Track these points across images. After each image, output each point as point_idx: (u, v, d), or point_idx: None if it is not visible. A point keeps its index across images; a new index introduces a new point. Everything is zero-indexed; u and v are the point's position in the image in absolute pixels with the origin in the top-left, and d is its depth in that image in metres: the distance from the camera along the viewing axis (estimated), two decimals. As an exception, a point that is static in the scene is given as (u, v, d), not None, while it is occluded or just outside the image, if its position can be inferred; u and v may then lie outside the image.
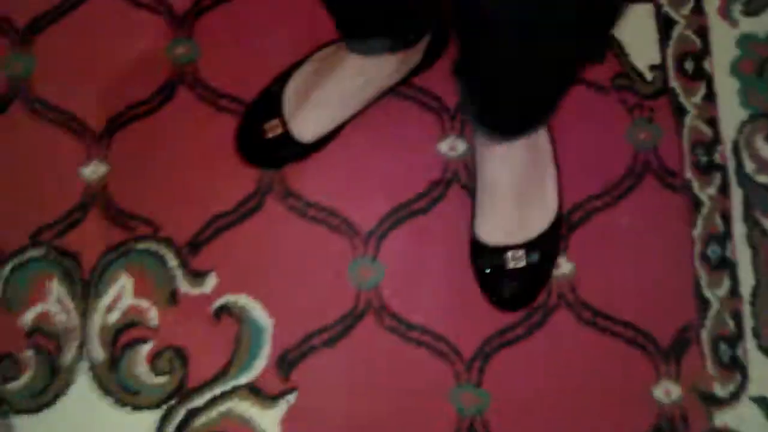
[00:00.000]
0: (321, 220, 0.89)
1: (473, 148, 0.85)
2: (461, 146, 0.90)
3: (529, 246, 0.81)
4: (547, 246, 0.82)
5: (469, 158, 0.89)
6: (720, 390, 0.81)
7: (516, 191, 0.80)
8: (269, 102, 0.87)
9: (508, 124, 0.75)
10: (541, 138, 0.83)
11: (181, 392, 0.84)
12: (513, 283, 0.81)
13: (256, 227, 0.89)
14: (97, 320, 0.86)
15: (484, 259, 0.82)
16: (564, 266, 0.86)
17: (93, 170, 0.92)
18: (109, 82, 0.95)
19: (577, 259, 0.86)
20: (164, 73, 0.94)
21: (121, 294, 0.88)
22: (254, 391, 0.84)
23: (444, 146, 0.90)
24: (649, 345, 0.83)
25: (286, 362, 0.85)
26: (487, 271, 0.82)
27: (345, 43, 0.81)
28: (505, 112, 0.73)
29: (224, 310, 0.87)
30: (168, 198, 0.91)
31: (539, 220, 0.82)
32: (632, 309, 0.84)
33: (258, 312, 0.87)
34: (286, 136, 0.86)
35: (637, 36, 0.92)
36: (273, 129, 0.86)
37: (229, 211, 0.90)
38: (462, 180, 0.89)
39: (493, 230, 0.81)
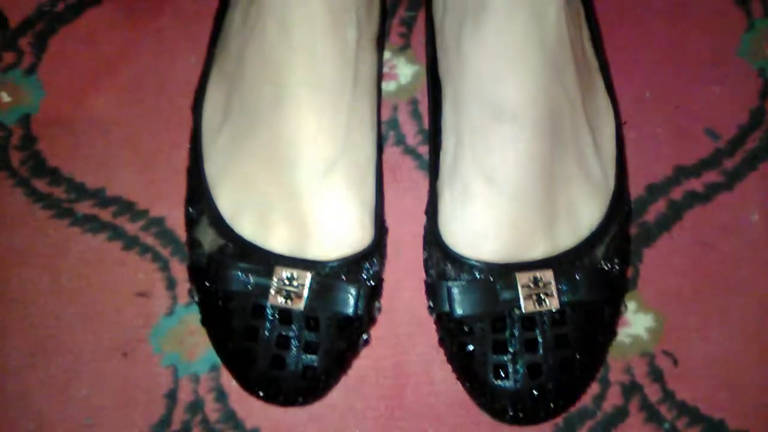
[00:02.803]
0: (101, 224, 0.41)
1: (437, 52, 0.38)
2: (406, 70, 0.44)
3: (564, 263, 0.35)
4: (607, 261, 0.36)
5: (420, 92, 0.43)
6: None
7: (541, 132, 0.34)
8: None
9: None
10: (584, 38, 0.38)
11: None
12: (530, 356, 0.34)
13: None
14: None
15: (460, 295, 0.35)
16: (635, 320, 0.39)
17: None
18: None
19: (662, 305, 0.39)
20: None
21: None
22: None
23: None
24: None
25: None
26: (467, 328, 0.35)
27: None
28: None
29: None
30: None
31: (587, 203, 0.36)
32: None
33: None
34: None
35: None
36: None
37: None
38: (407, 139, 0.42)
39: (483, 226, 0.35)
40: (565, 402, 0.35)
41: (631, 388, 0.38)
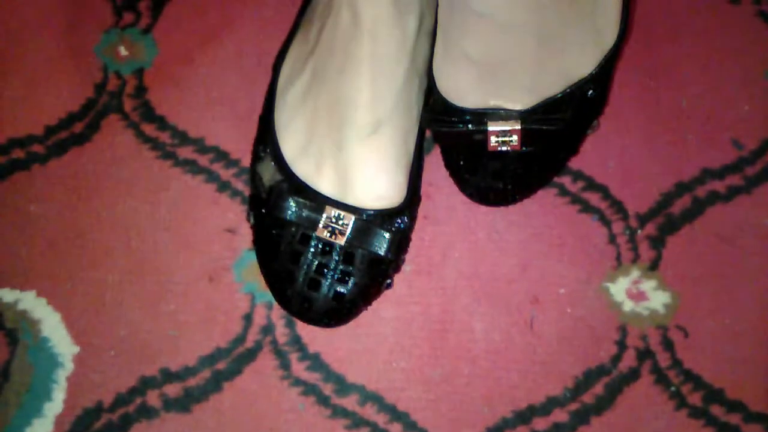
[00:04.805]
0: (199, 168, 0.48)
1: None
2: None
3: (533, 118, 0.40)
4: (585, 106, 0.42)
5: None
6: None
7: (524, 26, 0.39)
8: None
9: None
10: None
11: None
12: (496, 164, 0.43)
13: (77, 164, 0.48)
14: None
15: (450, 133, 0.42)
16: (654, 296, 0.45)
17: None
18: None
19: (680, 286, 0.45)
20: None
21: None
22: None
23: None
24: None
25: (88, 435, 0.42)
26: (461, 162, 0.44)
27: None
28: None
29: (-14, 320, 0.45)
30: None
31: (580, 60, 0.41)
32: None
33: (53, 328, 0.45)
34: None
35: None
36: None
37: (40, 135, 0.48)
38: None
39: (466, 76, 0.40)
40: (520, 194, 0.45)
41: (645, 354, 0.43)
